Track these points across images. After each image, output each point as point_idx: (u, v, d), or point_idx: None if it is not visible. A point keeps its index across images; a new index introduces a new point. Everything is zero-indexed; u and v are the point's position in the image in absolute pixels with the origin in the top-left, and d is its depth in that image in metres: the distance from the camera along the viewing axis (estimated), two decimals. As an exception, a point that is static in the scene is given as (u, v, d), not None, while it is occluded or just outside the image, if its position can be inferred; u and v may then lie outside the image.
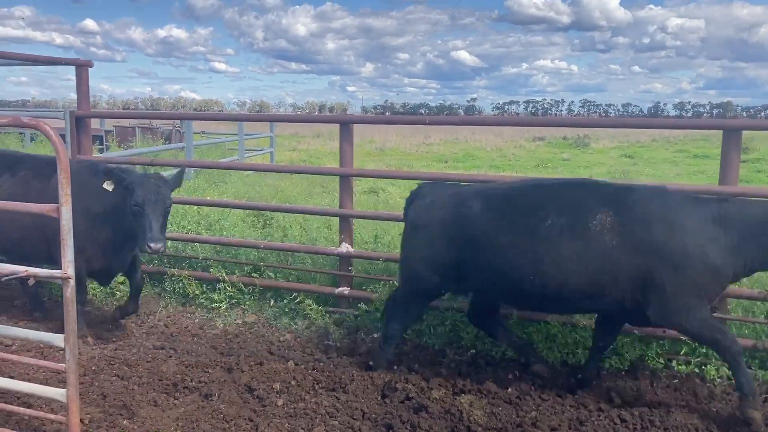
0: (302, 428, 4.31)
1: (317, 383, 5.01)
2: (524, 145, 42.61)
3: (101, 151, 13.90)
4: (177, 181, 5.52)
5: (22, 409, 3.95)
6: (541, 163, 26.85)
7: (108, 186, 5.25)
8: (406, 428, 4.23)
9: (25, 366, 4.99)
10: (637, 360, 5.28)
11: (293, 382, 4.97)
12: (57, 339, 3.53)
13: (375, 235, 7.02)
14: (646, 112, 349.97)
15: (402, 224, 5.22)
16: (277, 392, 4.80)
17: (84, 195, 5.09)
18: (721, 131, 5.08)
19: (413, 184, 5.31)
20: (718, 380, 5.01)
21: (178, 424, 4.30)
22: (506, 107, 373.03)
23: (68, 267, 3.42)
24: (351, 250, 6.23)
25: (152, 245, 5.06)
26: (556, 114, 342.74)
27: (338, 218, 6.44)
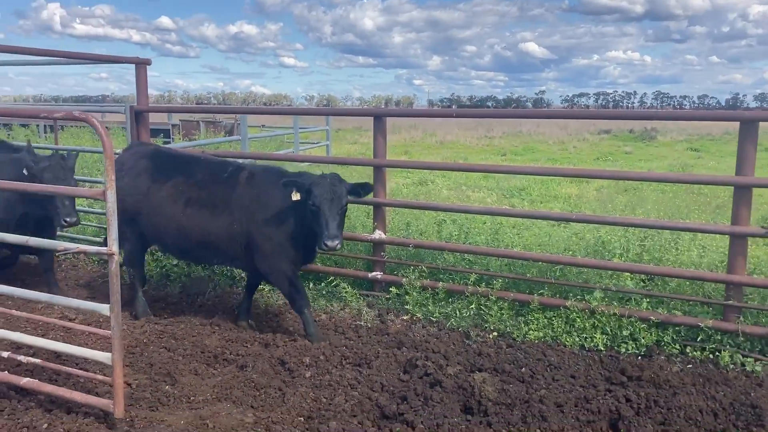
0: (324, 397, 4.69)
1: (345, 359, 5.40)
2: (588, 138, 41.86)
3: (166, 143, 14.68)
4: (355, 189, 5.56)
5: (75, 371, 4.48)
6: (602, 156, 26.47)
7: (295, 196, 5.38)
8: (420, 400, 4.54)
9: (81, 333, 5.58)
10: (653, 345, 5.43)
11: (322, 357, 5.37)
12: (104, 308, 4.03)
13: (407, 223, 7.35)
14: (723, 104, 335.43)
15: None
16: (306, 365, 5.21)
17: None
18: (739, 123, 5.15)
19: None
20: (731, 366, 5.12)
21: (214, 391, 4.76)
22: (576, 99, 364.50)
23: (113, 244, 3.90)
24: (384, 236, 6.58)
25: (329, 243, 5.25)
26: (628, 107, 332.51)
27: (372, 207, 6.79)
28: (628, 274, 5.86)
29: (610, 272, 6.00)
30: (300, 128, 15.10)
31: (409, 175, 14.78)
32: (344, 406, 4.56)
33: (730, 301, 5.27)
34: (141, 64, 7.53)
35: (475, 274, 6.17)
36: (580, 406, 4.51)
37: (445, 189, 11.72)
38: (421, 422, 4.22)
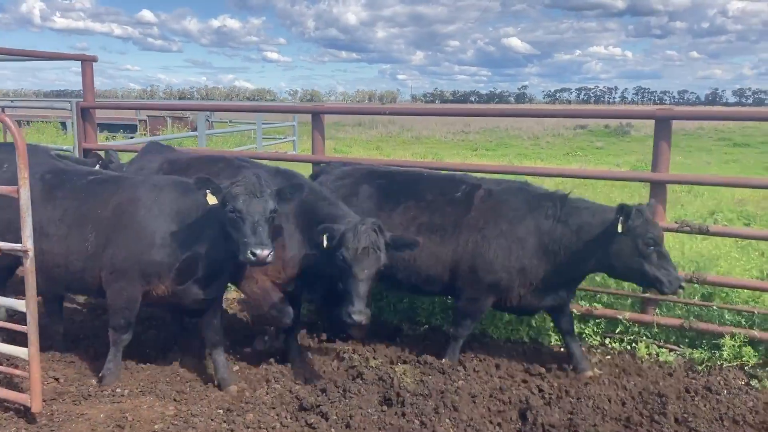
0: (248, 391, 4.80)
1: (276, 354, 5.52)
2: (563, 133, 42.24)
3: (131, 138, 14.67)
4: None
5: (-5, 365, 4.55)
6: (572, 151, 26.76)
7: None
8: (339, 392, 4.66)
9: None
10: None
11: (255, 351, 5.49)
12: (20, 305, 4.10)
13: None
14: (703, 99, 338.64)
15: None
16: (235, 360, 5.31)
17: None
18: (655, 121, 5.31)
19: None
20: (647, 356, 5.29)
21: (139, 384, 4.84)
22: (558, 94, 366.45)
23: (27, 241, 3.97)
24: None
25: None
26: (609, 102, 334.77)
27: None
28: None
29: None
30: (265, 124, 15.15)
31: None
32: (265, 398, 4.68)
33: (647, 294, 5.43)
34: (87, 61, 7.56)
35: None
36: (494, 396, 4.65)
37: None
38: (335, 413, 4.35)
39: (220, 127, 17.81)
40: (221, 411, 4.51)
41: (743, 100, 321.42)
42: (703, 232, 5.13)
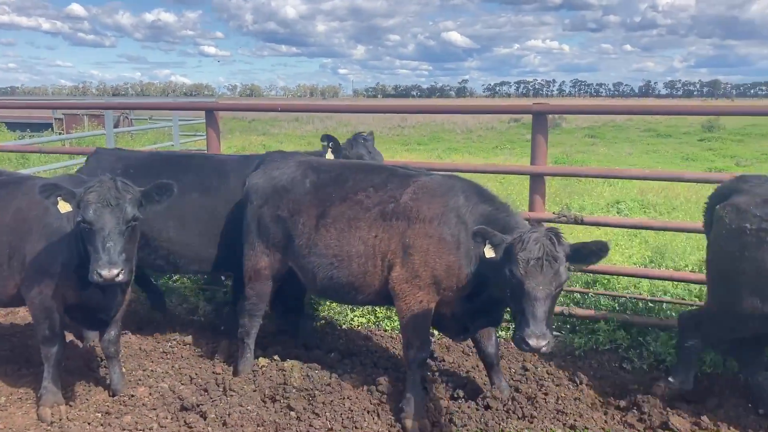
0: (131, 388, 4.75)
1: (165, 354, 5.48)
2: (497, 126, 42.94)
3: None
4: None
5: None
6: (501, 144, 27.25)
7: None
8: (219, 390, 4.67)
9: None
10: (463, 327, 5.74)
11: (141, 352, 5.43)
12: None
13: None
14: (637, 91, 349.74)
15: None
16: (125, 358, 5.25)
17: None
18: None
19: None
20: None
21: (18, 391, 4.76)
22: (497, 88, 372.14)
23: None
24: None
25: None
26: (547, 95, 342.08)
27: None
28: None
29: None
30: (182, 120, 14.89)
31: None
32: (146, 399, 4.64)
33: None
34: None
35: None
36: (368, 389, 4.71)
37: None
38: (214, 412, 4.35)
39: (140, 124, 17.40)
40: (99, 414, 4.46)
41: (674, 92, 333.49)
42: (578, 222, 5.33)
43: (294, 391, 4.66)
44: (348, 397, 4.55)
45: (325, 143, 5.95)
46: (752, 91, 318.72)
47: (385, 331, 5.87)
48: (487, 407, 4.39)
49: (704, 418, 4.24)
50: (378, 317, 5.99)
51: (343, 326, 5.98)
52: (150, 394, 4.73)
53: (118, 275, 3.80)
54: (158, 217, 4.94)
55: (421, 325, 4.29)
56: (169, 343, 5.67)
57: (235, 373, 4.94)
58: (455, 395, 4.63)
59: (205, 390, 4.70)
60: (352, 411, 4.40)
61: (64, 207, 3.97)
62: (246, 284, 4.90)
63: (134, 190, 4.08)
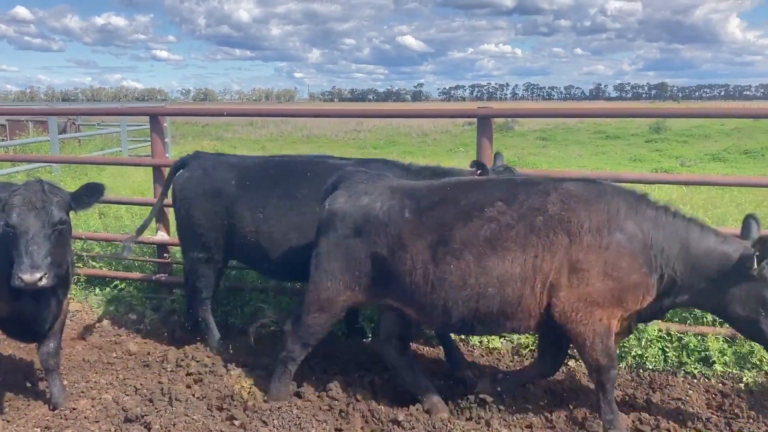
0: (73, 402, 4.63)
1: (110, 365, 5.37)
2: (452, 130, 43.34)
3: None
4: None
5: None
6: (455, 147, 27.52)
7: None
8: (165, 399, 4.59)
9: None
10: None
11: (85, 363, 5.31)
12: None
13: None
14: (588, 94, 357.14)
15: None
16: (67, 370, 5.12)
17: None
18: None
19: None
20: (477, 343, 5.54)
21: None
22: (452, 92, 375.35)
23: None
24: (167, 237, 6.53)
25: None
26: (501, 98, 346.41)
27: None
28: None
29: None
30: (131, 126, 14.60)
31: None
32: (89, 412, 4.53)
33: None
34: None
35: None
36: (321, 394, 4.68)
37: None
38: (159, 423, 4.27)
39: (88, 130, 17.01)
40: (39, 429, 4.34)
41: (623, 95, 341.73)
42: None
43: (241, 399, 4.62)
44: (296, 404, 4.53)
45: (474, 169, 4.98)
46: (697, 94, 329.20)
47: (337, 336, 5.85)
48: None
49: (645, 414, 4.35)
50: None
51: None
52: (92, 406, 4.61)
53: (41, 279, 3.68)
54: (279, 228, 4.97)
55: (607, 344, 3.92)
56: (114, 354, 5.57)
57: (269, 397, 4.63)
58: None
59: (150, 400, 4.60)
60: (300, 418, 4.37)
61: None
62: (311, 313, 4.43)
63: (63, 193, 4.01)
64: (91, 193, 4.13)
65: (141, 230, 5.76)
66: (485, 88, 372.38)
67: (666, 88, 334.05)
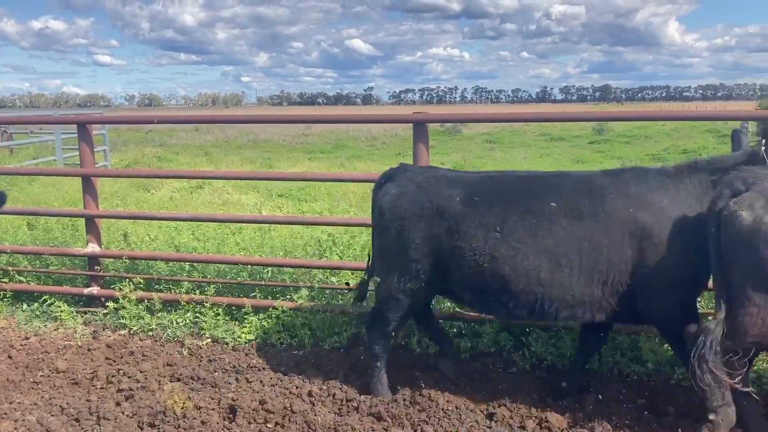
0: (-7, 428, 4.42)
1: (36, 384, 5.15)
2: (401, 133, 43.50)
3: None
4: None
5: None
6: (403, 151, 27.60)
7: None
8: (93, 419, 4.42)
9: None
10: (353, 336, 5.71)
11: (9, 383, 5.08)
12: None
13: (124, 233, 7.15)
14: (534, 97, 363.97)
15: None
16: (-11, 394, 4.89)
17: None
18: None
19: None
20: (418, 350, 5.51)
21: None
22: (402, 95, 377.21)
23: None
24: (97, 250, 6.32)
25: None
26: (450, 102, 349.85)
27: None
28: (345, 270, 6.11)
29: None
30: (66, 134, 14.13)
31: (191, 180, 14.36)
32: (10, 435, 4.33)
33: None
34: None
35: (189, 281, 6.13)
36: (262, 408, 4.59)
37: (210, 192, 11.61)
38: (86, 443, 4.11)
39: (19, 138, 16.41)
40: (-45, 456, 4.11)
41: (569, 97, 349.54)
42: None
43: (174, 415, 4.48)
44: (232, 416, 4.41)
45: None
46: (640, 95, 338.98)
47: (274, 346, 5.75)
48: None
49: (580, 414, 4.39)
50: (267, 333, 5.85)
51: (230, 344, 5.81)
52: (15, 428, 4.39)
53: None
54: (524, 254, 4.12)
55: None
56: (41, 372, 5.33)
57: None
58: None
59: (77, 420, 4.43)
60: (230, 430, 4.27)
61: None
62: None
63: None
64: None
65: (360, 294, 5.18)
66: (435, 91, 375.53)
67: (610, 90, 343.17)
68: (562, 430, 4.26)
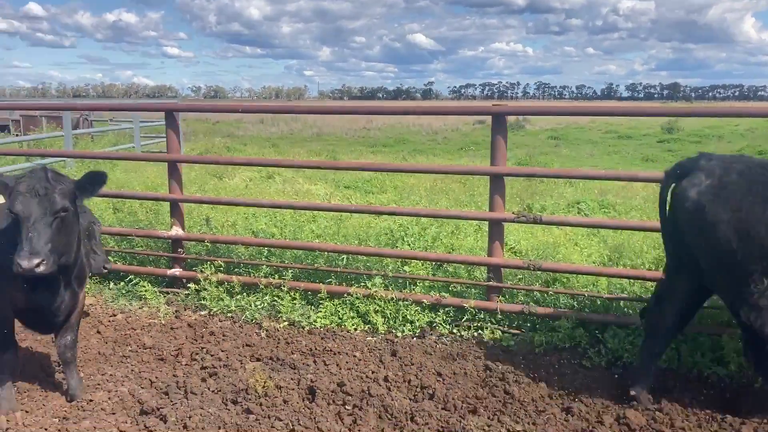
0: (90, 394, 4.68)
1: (125, 358, 5.41)
2: (462, 128, 43.27)
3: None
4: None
5: None
6: (466, 146, 27.48)
7: None
8: (180, 393, 4.63)
9: None
10: (426, 326, 5.78)
11: (100, 356, 5.36)
12: None
13: (206, 218, 7.40)
14: (599, 93, 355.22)
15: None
16: (83, 362, 5.17)
17: None
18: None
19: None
20: (491, 342, 5.54)
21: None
22: (463, 90, 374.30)
23: None
24: (181, 233, 6.58)
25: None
26: (512, 97, 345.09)
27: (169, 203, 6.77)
28: (416, 260, 6.19)
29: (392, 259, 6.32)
30: (143, 122, 14.69)
31: (262, 169, 14.70)
32: (105, 404, 4.57)
33: (491, 282, 5.69)
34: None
35: (267, 266, 6.32)
36: (340, 390, 4.73)
37: (281, 182, 11.88)
38: (175, 416, 4.31)
39: (100, 125, 17.13)
40: (57, 420, 4.37)
41: (635, 95, 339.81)
42: (537, 221, 5.42)
43: (255, 393, 4.65)
44: (311, 399, 4.55)
45: None
46: (710, 94, 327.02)
47: (348, 331, 5.87)
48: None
49: (659, 412, 4.34)
50: (341, 318, 5.98)
51: (306, 327, 5.96)
52: (109, 398, 4.65)
53: (38, 265, 3.67)
54: None
55: None
56: (129, 347, 5.60)
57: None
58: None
59: (166, 393, 4.65)
60: (312, 412, 4.40)
61: None
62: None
63: (67, 181, 4.01)
64: (93, 182, 4.13)
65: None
66: (496, 86, 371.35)
67: (679, 88, 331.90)
68: (641, 427, 4.23)
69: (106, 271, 5.56)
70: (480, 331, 5.66)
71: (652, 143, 30.70)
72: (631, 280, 5.80)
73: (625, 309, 5.51)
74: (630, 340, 5.21)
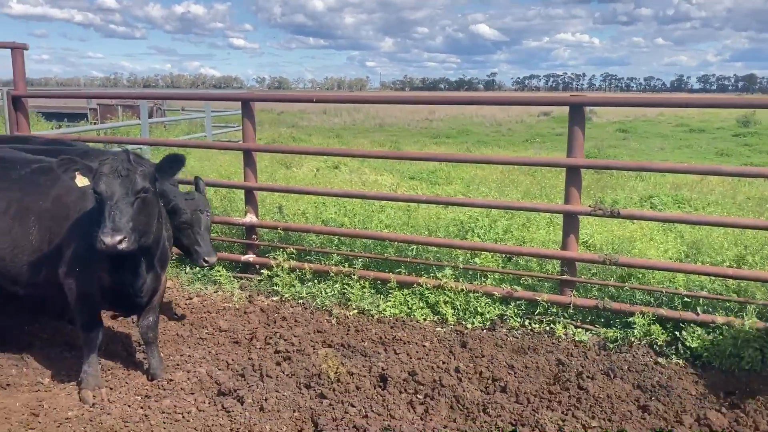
0: (169, 374, 4.85)
1: (202, 340, 5.58)
2: (526, 120, 42.60)
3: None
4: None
5: None
6: (531, 138, 27.03)
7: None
8: (256, 375, 4.75)
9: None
10: (496, 318, 5.74)
11: (178, 338, 5.54)
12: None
13: (279, 207, 7.52)
14: (669, 85, 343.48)
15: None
16: (163, 343, 5.36)
17: None
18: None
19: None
20: (564, 336, 5.46)
21: (61, 374, 4.87)
22: (526, 81, 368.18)
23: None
24: (255, 220, 6.73)
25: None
26: (577, 88, 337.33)
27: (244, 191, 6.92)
28: (486, 252, 6.15)
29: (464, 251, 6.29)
30: (214, 112, 15.05)
31: (329, 159, 14.87)
32: (184, 384, 4.73)
33: (564, 276, 5.60)
34: (17, 49, 7.46)
35: (338, 254, 6.39)
36: (412, 379, 4.76)
37: (347, 172, 11.99)
38: (251, 397, 4.43)
39: (172, 115, 17.64)
40: (139, 397, 4.55)
41: (707, 86, 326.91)
42: (615, 215, 5.30)
43: (328, 378, 4.72)
44: (383, 387, 4.59)
45: None
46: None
47: (418, 321, 5.89)
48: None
49: (742, 414, 4.20)
50: (411, 308, 6.01)
51: (375, 316, 6.01)
52: (188, 378, 4.81)
53: (120, 242, 3.80)
54: None
55: None
56: (206, 330, 5.76)
57: None
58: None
59: (242, 375, 4.78)
60: (385, 400, 4.45)
61: (81, 181, 4.04)
62: None
63: (147, 164, 4.15)
64: (172, 164, 4.24)
65: None
66: (561, 78, 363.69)
67: (755, 79, 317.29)
68: (723, 429, 4.10)
69: (206, 265, 5.53)
70: (552, 325, 5.59)
71: (727, 137, 29.47)
72: (711, 278, 5.61)
73: (705, 307, 5.33)
74: (710, 339, 5.05)
